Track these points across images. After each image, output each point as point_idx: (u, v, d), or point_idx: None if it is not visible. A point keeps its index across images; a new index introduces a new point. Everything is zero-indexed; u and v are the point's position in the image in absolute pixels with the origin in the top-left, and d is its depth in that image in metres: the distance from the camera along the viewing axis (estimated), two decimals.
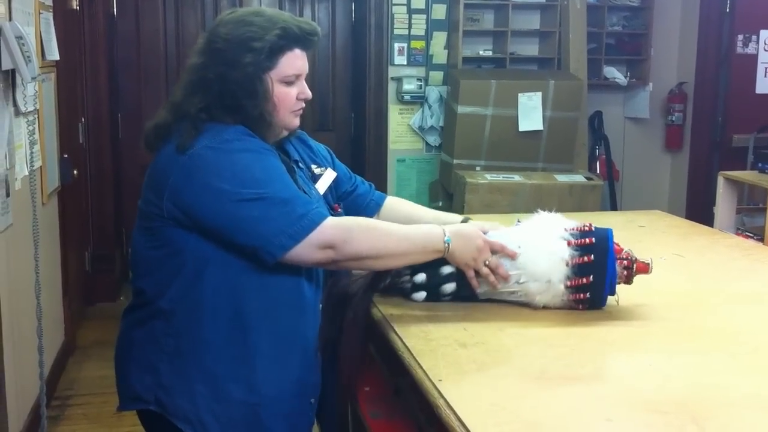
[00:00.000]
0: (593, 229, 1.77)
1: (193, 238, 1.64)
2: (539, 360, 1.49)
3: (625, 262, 1.78)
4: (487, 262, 1.74)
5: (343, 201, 1.99)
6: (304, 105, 1.77)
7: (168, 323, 1.68)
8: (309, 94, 1.76)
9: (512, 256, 1.74)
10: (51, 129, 3.80)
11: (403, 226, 1.76)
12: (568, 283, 1.72)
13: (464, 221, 1.93)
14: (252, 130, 1.69)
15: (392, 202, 2.07)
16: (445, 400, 1.27)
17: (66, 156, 4.06)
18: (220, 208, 1.60)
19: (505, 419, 1.22)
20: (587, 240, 1.74)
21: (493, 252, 1.74)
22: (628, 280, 1.79)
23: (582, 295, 1.73)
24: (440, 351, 1.50)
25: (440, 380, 1.35)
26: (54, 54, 3.73)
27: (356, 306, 1.81)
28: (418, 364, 1.42)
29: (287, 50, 1.69)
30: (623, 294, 1.83)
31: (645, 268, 1.78)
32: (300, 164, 1.88)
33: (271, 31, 1.67)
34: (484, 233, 1.77)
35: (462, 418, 1.20)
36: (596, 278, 1.72)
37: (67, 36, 4.26)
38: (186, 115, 1.68)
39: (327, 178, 1.93)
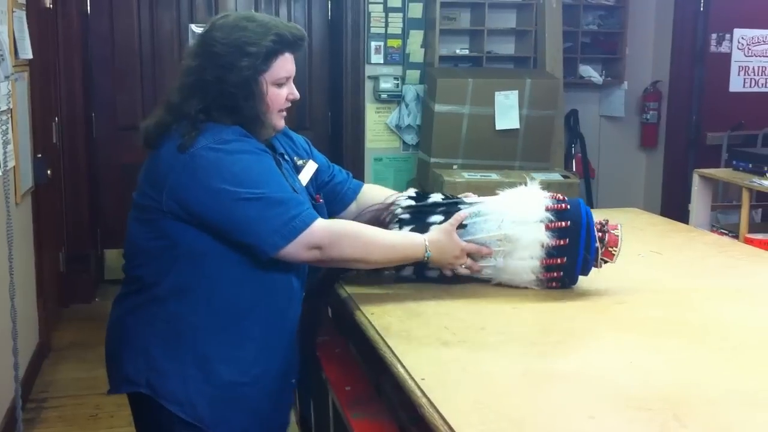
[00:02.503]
0: (568, 207, 1.87)
1: (191, 231, 1.72)
2: (522, 358, 1.50)
3: (599, 234, 1.86)
4: (464, 267, 1.88)
5: (322, 190, 2.07)
6: (290, 105, 1.85)
7: (163, 309, 1.76)
8: (297, 94, 1.86)
9: (488, 255, 1.87)
10: (25, 128, 3.75)
11: (388, 233, 1.88)
12: (544, 262, 1.84)
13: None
14: (247, 130, 1.78)
15: (368, 189, 2.18)
16: (428, 399, 1.27)
17: (40, 156, 4.01)
18: (219, 206, 1.69)
19: (489, 418, 1.22)
20: (563, 223, 1.84)
21: (470, 255, 1.87)
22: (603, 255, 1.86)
23: (555, 273, 1.84)
24: (422, 350, 1.50)
25: (423, 379, 1.34)
26: (27, 53, 3.68)
27: (320, 278, 1.94)
28: (400, 363, 1.42)
29: (279, 54, 1.79)
30: (603, 293, 1.84)
31: (615, 241, 1.86)
32: (285, 157, 1.96)
33: (267, 36, 1.77)
34: (463, 225, 1.88)
35: (446, 417, 1.20)
36: (570, 252, 1.83)
37: (41, 34, 4.21)
38: (186, 115, 1.76)
39: (309, 169, 2.02)
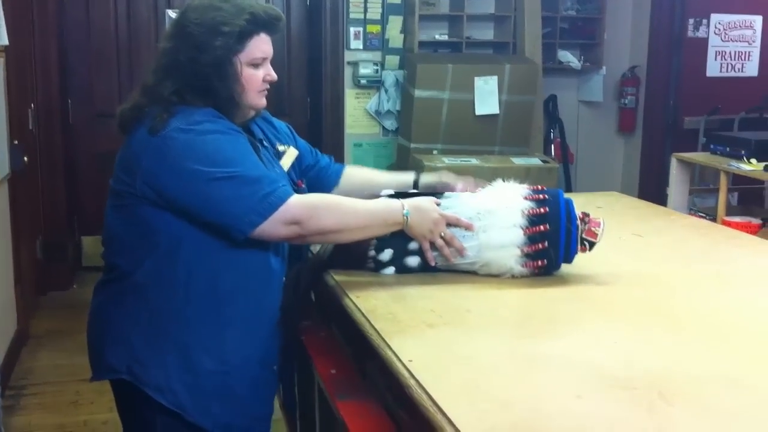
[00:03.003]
0: (546, 197, 1.87)
1: (167, 216, 1.70)
2: (508, 340, 1.51)
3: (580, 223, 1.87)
4: (442, 234, 1.84)
5: (306, 175, 2.07)
6: (268, 86, 1.84)
7: (142, 297, 1.74)
8: (275, 76, 1.83)
9: (468, 227, 1.85)
10: (0, 115, 3.70)
11: (365, 202, 1.84)
12: (525, 250, 1.82)
13: (417, 177, 2.10)
14: (221, 112, 1.76)
15: (350, 171, 2.18)
16: (417, 381, 1.27)
17: (16, 142, 3.96)
18: (192, 187, 1.66)
19: (478, 398, 1.23)
20: (542, 209, 1.85)
21: (449, 225, 1.85)
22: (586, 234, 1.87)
23: (540, 262, 1.84)
24: (408, 332, 1.51)
25: (410, 360, 1.35)
26: (3, 39, 3.63)
27: (305, 265, 1.94)
28: (387, 345, 1.42)
29: (254, 34, 1.78)
30: (586, 276, 1.86)
31: (597, 224, 1.87)
32: (264, 143, 1.95)
33: (241, 16, 1.75)
34: (438, 204, 1.87)
35: (435, 398, 1.20)
36: (551, 243, 1.83)
37: (16, 20, 4.15)
38: (160, 98, 1.74)
39: (290, 155, 2.01)
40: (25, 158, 4.10)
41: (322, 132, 5.26)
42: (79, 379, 3.52)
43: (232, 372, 1.77)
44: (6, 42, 3.67)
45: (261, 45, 1.78)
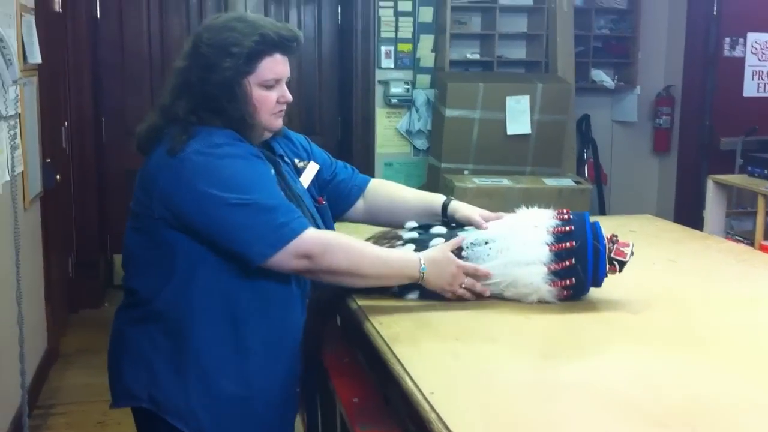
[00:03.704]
0: (572, 218, 1.83)
1: (184, 238, 1.68)
2: (533, 369, 1.46)
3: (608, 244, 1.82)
4: (463, 285, 1.79)
5: (325, 189, 2.02)
6: (285, 107, 1.81)
7: (162, 323, 1.72)
8: (289, 97, 1.80)
9: (486, 276, 1.80)
10: (33, 133, 3.73)
11: (382, 249, 1.81)
12: (552, 267, 1.77)
13: (447, 202, 2.00)
14: (240, 133, 1.74)
15: (376, 185, 2.11)
16: (437, 414, 1.23)
17: (49, 161, 3.99)
18: (206, 211, 1.64)
19: None
20: (567, 227, 1.80)
21: (468, 274, 1.80)
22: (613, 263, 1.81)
23: (568, 281, 1.78)
24: (431, 361, 1.46)
25: (432, 393, 1.30)
26: (36, 57, 3.67)
27: (328, 288, 1.88)
28: (408, 375, 1.38)
29: (266, 55, 1.74)
30: (616, 301, 1.80)
31: (625, 244, 1.82)
32: (285, 159, 1.93)
33: (251, 37, 1.72)
34: (460, 249, 1.82)
35: None
36: (578, 260, 1.78)
37: (50, 39, 4.20)
38: (176, 117, 1.73)
39: (310, 171, 1.98)
40: (58, 176, 4.13)
41: (353, 151, 5.24)
42: (107, 399, 3.40)
43: (254, 396, 1.74)
44: (39, 60, 3.70)
45: (273, 66, 1.75)
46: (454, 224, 1.95)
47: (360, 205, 2.07)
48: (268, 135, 1.83)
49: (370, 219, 2.09)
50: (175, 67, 1.79)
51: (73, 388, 3.84)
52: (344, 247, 1.71)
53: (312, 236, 1.67)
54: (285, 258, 1.64)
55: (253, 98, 1.73)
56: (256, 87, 1.74)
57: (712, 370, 1.46)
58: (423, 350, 1.52)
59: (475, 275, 1.79)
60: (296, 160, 1.98)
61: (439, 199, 2.04)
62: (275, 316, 1.75)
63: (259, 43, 1.71)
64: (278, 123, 1.82)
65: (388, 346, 1.53)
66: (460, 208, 1.98)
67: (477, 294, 1.80)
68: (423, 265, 1.75)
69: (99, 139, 5.06)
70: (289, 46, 1.77)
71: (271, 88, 1.76)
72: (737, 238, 3.85)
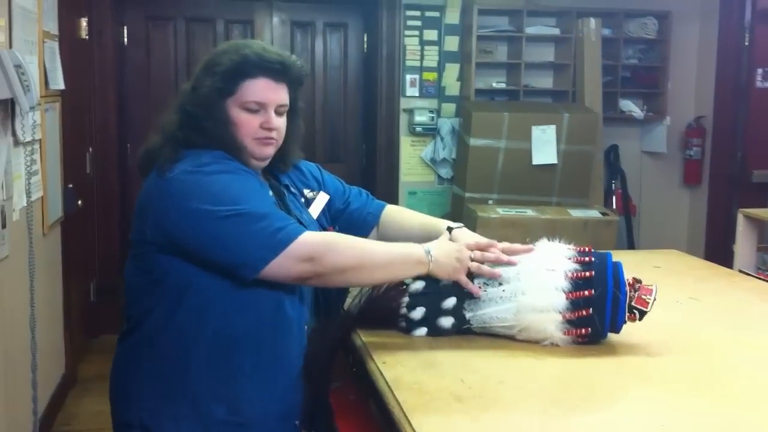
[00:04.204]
0: (592, 260, 1.75)
1: (175, 261, 1.66)
2: (540, 417, 1.38)
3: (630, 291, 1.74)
4: (471, 257, 1.76)
5: (338, 221, 1.99)
6: (273, 135, 1.76)
7: (153, 349, 1.70)
8: (273, 124, 1.75)
9: (491, 245, 1.79)
10: (54, 159, 3.74)
11: (384, 243, 1.80)
12: (567, 315, 1.69)
13: (448, 230, 1.93)
14: (231, 154, 1.72)
15: (387, 213, 2.06)
16: None
17: (71, 186, 4.00)
18: (199, 228, 1.61)
19: None
20: (587, 273, 1.72)
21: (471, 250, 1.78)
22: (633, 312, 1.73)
23: (583, 330, 1.70)
24: (433, 406, 1.39)
25: None
26: (59, 83, 3.69)
27: (335, 322, 1.83)
28: (408, 422, 1.31)
29: (248, 77, 1.72)
30: (634, 344, 1.72)
31: (648, 291, 1.74)
32: (291, 189, 1.90)
33: (232, 57, 1.72)
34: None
35: None
36: (595, 310, 1.69)
37: (75, 65, 4.23)
38: (168, 138, 1.72)
39: (320, 201, 1.95)
40: (79, 202, 4.13)
41: (377, 179, 5.20)
42: None
43: (248, 424, 1.70)
44: (62, 86, 3.72)
45: (256, 90, 1.71)
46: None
47: (374, 234, 2.02)
48: (257, 163, 1.78)
49: None
50: (179, 89, 1.81)
51: (89, 415, 3.81)
52: (347, 243, 1.69)
53: (312, 238, 1.64)
54: (287, 262, 1.60)
55: (232, 119, 1.71)
56: (237, 109, 1.72)
57: (736, 423, 1.37)
58: (426, 393, 1.45)
59: (477, 248, 1.78)
60: (306, 191, 1.95)
61: (442, 226, 1.96)
62: (268, 340, 1.71)
63: (238, 63, 1.70)
64: (264, 151, 1.76)
65: (389, 387, 1.46)
66: (460, 238, 1.89)
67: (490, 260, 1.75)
68: (427, 247, 1.72)
69: (123, 165, 5.07)
70: (272, 69, 1.73)
71: (254, 112, 1.72)
72: None
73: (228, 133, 1.71)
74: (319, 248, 1.62)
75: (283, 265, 1.60)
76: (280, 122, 1.77)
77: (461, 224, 1.98)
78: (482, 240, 1.86)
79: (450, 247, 1.77)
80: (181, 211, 1.62)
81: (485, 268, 1.75)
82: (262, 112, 1.73)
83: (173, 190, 1.64)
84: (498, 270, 1.75)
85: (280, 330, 1.72)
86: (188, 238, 1.62)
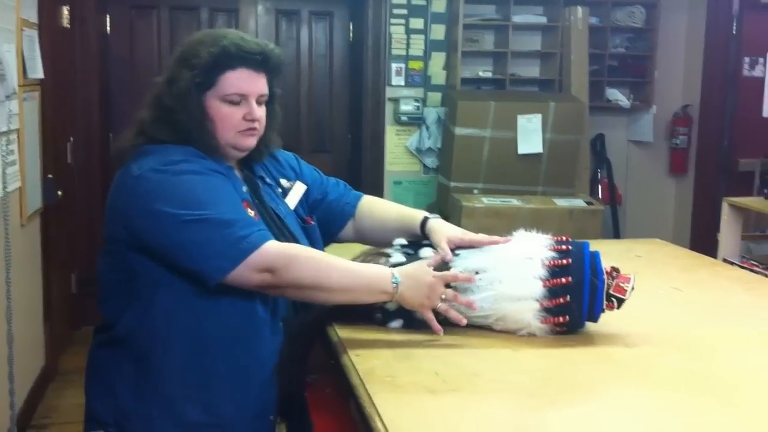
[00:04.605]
0: (570, 249, 1.72)
1: (145, 261, 1.62)
2: (515, 413, 1.36)
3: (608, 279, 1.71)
4: (443, 296, 1.66)
5: (315, 211, 1.95)
6: (256, 126, 1.72)
7: (125, 348, 1.67)
8: (256, 115, 1.70)
9: (467, 280, 1.69)
10: (33, 149, 3.69)
11: (352, 263, 1.72)
12: (544, 303, 1.67)
13: (424, 221, 1.89)
14: (202, 151, 1.67)
15: (364, 204, 2.01)
16: None
17: (50, 176, 3.94)
18: (162, 231, 1.58)
19: None
20: (564, 260, 1.70)
21: (447, 285, 1.68)
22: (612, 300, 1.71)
23: (561, 318, 1.67)
24: (406, 400, 1.37)
25: None
26: (38, 72, 3.63)
27: (310, 316, 1.80)
28: (379, 416, 1.28)
29: (227, 69, 1.66)
30: (614, 335, 1.70)
31: (626, 279, 1.70)
32: (266, 179, 1.86)
33: (209, 48, 1.65)
34: (435, 266, 1.71)
35: None
36: (573, 297, 1.67)
37: (57, 54, 4.17)
38: (139, 132, 1.69)
39: (297, 191, 1.92)
40: (60, 192, 4.08)
41: (362, 169, 5.17)
42: None
43: (222, 424, 1.67)
44: (41, 75, 3.66)
45: (236, 81, 1.67)
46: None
47: (350, 224, 1.99)
48: (238, 154, 1.74)
49: (360, 238, 2.02)
50: (153, 82, 1.75)
51: (70, 408, 3.76)
52: (309, 259, 1.62)
53: (273, 249, 1.59)
54: (245, 272, 1.56)
55: (213, 114, 1.66)
56: (218, 102, 1.67)
57: (718, 420, 1.34)
58: (399, 386, 1.42)
59: (456, 281, 1.68)
60: (282, 181, 1.92)
61: (418, 216, 1.92)
62: (241, 340, 1.67)
63: (217, 55, 1.64)
64: (247, 142, 1.72)
65: (361, 381, 1.44)
66: (436, 229, 1.85)
67: (462, 304, 1.67)
68: (396, 277, 1.63)
69: (106, 155, 5.00)
70: (252, 60, 1.68)
71: (235, 104, 1.68)
72: (753, 262, 3.72)
73: (203, 128, 1.66)
74: (278, 261, 1.57)
75: (242, 275, 1.56)
76: (262, 112, 1.74)
77: (437, 215, 1.94)
78: (458, 231, 1.84)
79: (422, 280, 1.65)
80: (145, 210, 1.58)
81: (453, 312, 1.67)
82: (244, 103, 1.69)
83: (140, 189, 1.59)
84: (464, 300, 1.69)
85: (251, 331, 1.68)
86: (151, 240, 1.59)
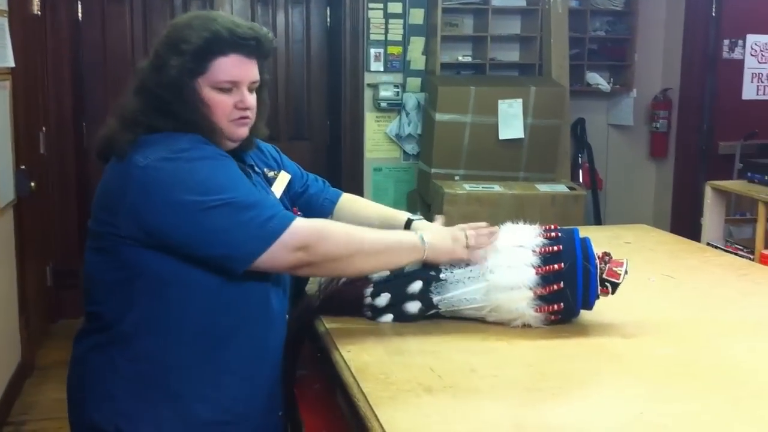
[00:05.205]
0: (560, 235, 1.70)
1: (154, 257, 1.54)
2: (514, 409, 1.32)
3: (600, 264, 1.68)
4: (467, 233, 1.70)
5: (296, 203, 1.90)
6: (248, 114, 1.65)
7: (128, 348, 1.58)
8: (249, 103, 1.64)
9: (492, 232, 1.72)
10: (4, 139, 3.59)
11: (374, 230, 1.69)
12: (538, 291, 1.64)
13: (408, 222, 1.87)
14: (206, 137, 1.60)
15: (343, 202, 1.99)
16: None
17: (23, 167, 3.85)
18: (184, 221, 1.50)
19: None
20: (555, 247, 1.67)
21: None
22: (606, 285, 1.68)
23: (555, 306, 1.64)
24: (401, 398, 1.32)
25: None
26: (8, 61, 3.54)
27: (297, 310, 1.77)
28: (375, 416, 1.24)
29: (219, 55, 1.59)
30: (609, 325, 1.66)
31: (619, 263, 1.68)
32: (255, 168, 1.80)
33: (201, 33, 1.58)
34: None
35: None
36: (567, 283, 1.64)
37: (28, 42, 4.06)
38: (130, 121, 1.59)
39: (282, 180, 1.86)
40: (32, 183, 3.98)
41: (341, 156, 5.10)
42: None
43: (234, 421, 1.62)
44: (12, 64, 3.57)
45: (228, 68, 1.59)
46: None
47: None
48: (231, 144, 1.67)
49: None
50: (136, 68, 1.66)
51: (48, 403, 3.69)
52: (339, 230, 1.61)
53: (304, 225, 1.55)
54: (280, 253, 1.51)
55: (205, 100, 1.59)
56: (209, 89, 1.59)
57: (716, 410, 1.31)
58: (393, 384, 1.37)
59: (479, 228, 1.72)
60: (266, 170, 1.86)
61: (402, 218, 1.90)
62: (254, 335, 1.62)
63: (208, 40, 1.57)
64: (239, 132, 1.66)
65: (354, 379, 1.39)
66: (421, 230, 1.80)
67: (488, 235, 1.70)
68: (420, 234, 1.67)
69: (80, 144, 4.91)
70: (245, 45, 1.60)
71: (227, 91, 1.61)
72: (737, 246, 3.71)
73: (202, 115, 1.59)
74: (311, 236, 1.54)
75: (275, 255, 1.51)
76: (253, 100, 1.67)
77: (420, 216, 1.91)
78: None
79: (444, 230, 1.71)
80: (162, 203, 1.50)
81: (483, 236, 1.70)
82: (235, 90, 1.62)
83: (151, 179, 1.51)
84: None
85: (265, 323, 1.64)
86: (172, 232, 1.51)
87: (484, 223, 1.79)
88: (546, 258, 1.65)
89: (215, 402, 1.60)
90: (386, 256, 1.65)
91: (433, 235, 1.67)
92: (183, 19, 1.65)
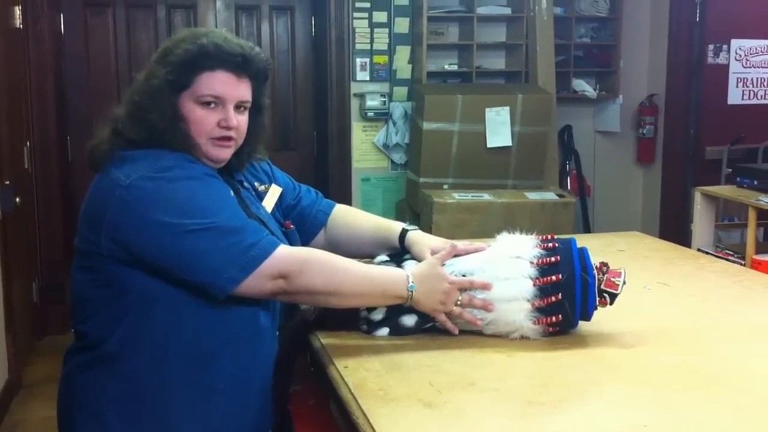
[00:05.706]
0: (557, 246, 1.67)
1: (138, 275, 1.52)
2: (517, 421, 1.29)
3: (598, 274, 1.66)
4: (458, 302, 1.62)
5: (289, 217, 1.87)
6: (232, 134, 1.61)
7: (114, 368, 1.56)
8: (232, 122, 1.59)
9: (485, 287, 1.63)
10: None
11: (365, 265, 1.65)
12: (536, 303, 1.61)
13: (403, 233, 1.83)
14: (189, 154, 1.57)
15: (336, 213, 1.94)
16: None
17: (8, 183, 3.80)
18: (163, 243, 1.48)
19: None
20: (552, 258, 1.65)
21: (462, 290, 1.63)
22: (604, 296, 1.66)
23: (554, 318, 1.62)
24: (401, 414, 1.29)
25: None
26: None
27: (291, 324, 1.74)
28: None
29: (206, 70, 1.57)
30: (608, 335, 1.64)
31: (617, 274, 1.67)
32: (244, 183, 1.77)
33: (187, 47, 1.56)
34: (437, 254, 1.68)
35: None
36: (565, 295, 1.62)
37: (10, 55, 4.03)
38: (110, 131, 1.58)
39: (273, 194, 1.83)
40: (17, 199, 3.93)
41: (329, 166, 5.08)
42: None
43: None
44: None
45: (212, 83, 1.56)
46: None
47: (322, 233, 1.92)
48: (211, 165, 1.62)
49: (332, 248, 1.90)
50: (133, 80, 1.66)
51: (36, 422, 3.64)
52: (323, 263, 1.56)
53: (286, 254, 1.52)
54: (259, 281, 1.48)
55: (184, 114, 1.56)
56: (192, 103, 1.57)
57: (721, 418, 1.29)
58: (392, 400, 1.34)
59: (473, 287, 1.62)
60: (257, 184, 1.83)
61: (396, 228, 1.86)
62: (244, 352, 1.59)
63: (193, 53, 1.56)
64: (219, 153, 1.61)
65: (353, 395, 1.36)
66: (416, 241, 1.79)
67: (479, 309, 1.62)
68: (411, 283, 1.58)
69: (65, 158, 4.87)
70: (231, 62, 1.58)
71: (210, 107, 1.57)
72: (728, 251, 3.71)
73: (177, 129, 1.55)
74: (293, 266, 1.51)
75: (253, 284, 1.49)
76: (241, 120, 1.62)
77: (416, 226, 1.88)
78: (439, 241, 1.78)
79: (437, 287, 1.61)
80: (141, 223, 1.47)
81: (468, 314, 1.62)
82: (220, 108, 1.58)
83: (131, 198, 1.48)
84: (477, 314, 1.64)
85: (253, 341, 1.61)
86: (151, 254, 1.48)
87: (481, 244, 1.76)
88: (543, 269, 1.63)
89: (203, 421, 1.57)
90: (366, 299, 1.61)
91: (423, 290, 1.59)
92: (181, 34, 1.64)
